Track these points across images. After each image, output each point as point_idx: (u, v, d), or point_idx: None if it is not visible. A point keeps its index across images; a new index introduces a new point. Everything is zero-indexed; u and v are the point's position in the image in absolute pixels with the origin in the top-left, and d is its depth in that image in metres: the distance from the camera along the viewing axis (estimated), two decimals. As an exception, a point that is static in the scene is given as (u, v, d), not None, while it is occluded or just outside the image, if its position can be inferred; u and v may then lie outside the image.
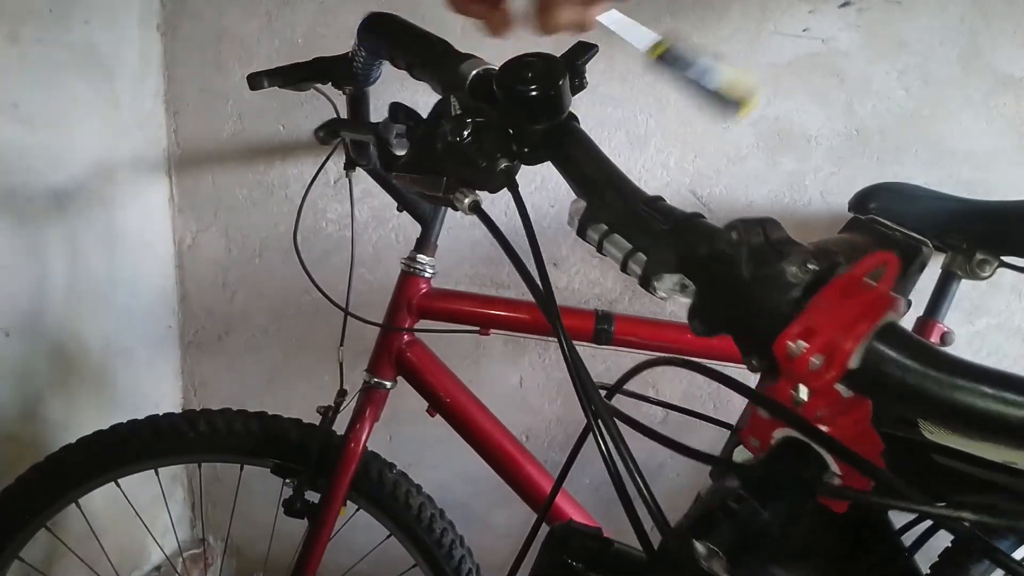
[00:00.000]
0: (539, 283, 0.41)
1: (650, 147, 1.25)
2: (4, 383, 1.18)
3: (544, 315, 0.40)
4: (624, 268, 0.39)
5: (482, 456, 1.02)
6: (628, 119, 1.25)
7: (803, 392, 0.34)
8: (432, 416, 1.03)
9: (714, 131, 1.23)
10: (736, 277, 0.34)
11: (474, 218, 1.41)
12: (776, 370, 0.34)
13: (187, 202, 1.47)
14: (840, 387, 0.34)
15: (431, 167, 0.43)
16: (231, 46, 1.38)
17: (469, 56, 0.48)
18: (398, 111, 0.48)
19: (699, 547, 0.34)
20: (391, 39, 0.61)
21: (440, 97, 0.49)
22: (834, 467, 0.36)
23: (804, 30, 1.17)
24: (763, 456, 0.38)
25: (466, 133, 0.41)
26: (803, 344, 0.32)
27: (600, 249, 0.40)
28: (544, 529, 0.55)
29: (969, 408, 0.29)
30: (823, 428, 0.35)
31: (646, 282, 0.37)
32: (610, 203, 0.40)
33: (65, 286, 1.26)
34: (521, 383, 1.39)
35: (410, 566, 1.09)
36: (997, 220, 0.92)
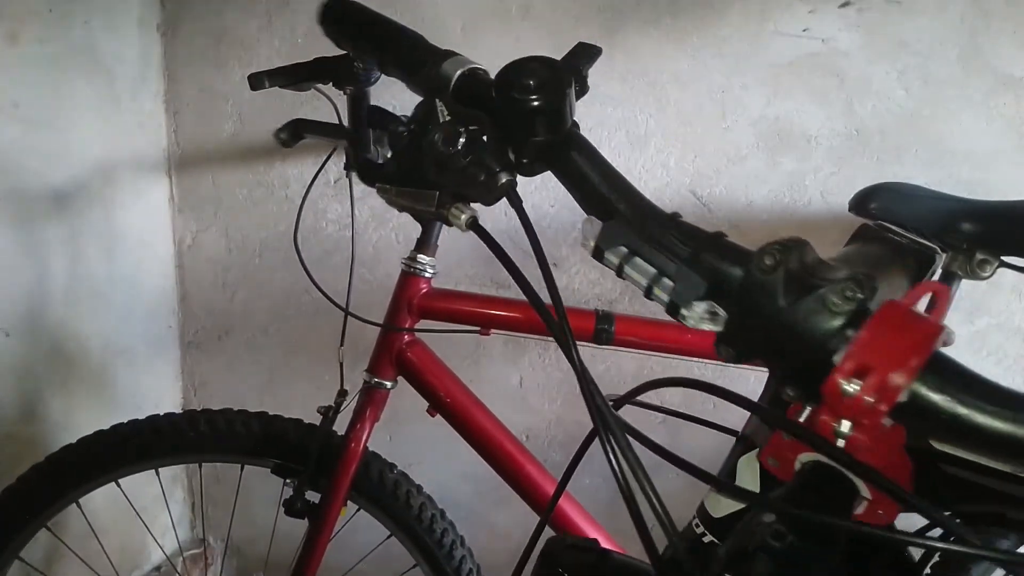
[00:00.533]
0: (546, 294, 0.39)
1: (650, 147, 1.25)
2: (4, 383, 1.18)
3: (558, 342, 0.37)
4: (649, 295, 0.37)
5: (482, 456, 1.02)
6: (628, 119, 1.25)
7: (846, 426, 0.33)
8: (432, 416, 1.03)
9: (714, 131, 1.23)
10: (773, 306, 0.33)
11: (474, 218, 1.39)
12: (813, 399, 0.33)
13: (187, 202, 1.47)
14: (884, 419, 0.33)
15: (420, 180, 0.40)
16: (231, 46, 1.38)
17: (449, 53, 0.44)
18: (374, 115, 0.43)
19: None
20: (353, 31, 0.53)
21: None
22: (864, 491, 0.36)
23: (804, 30, 1.17)
24: (793, 484, 0.36)
25: (459, 144, 0.38)
26: (857, 384, 0.31)
27: (620, 274, 0.37)
28: (547, 533, 0.54)
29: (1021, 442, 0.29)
30: (869, 459, 0.34)
31: (674, 310, 0.35)
32: (629, 224, 0.37)
33: (65, 286, 1.26)
34: (521, 383, 1.39)
35: (411, 566, 1.09)
36: (997, 220, 0.92)
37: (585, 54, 0.42)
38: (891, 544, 0.46)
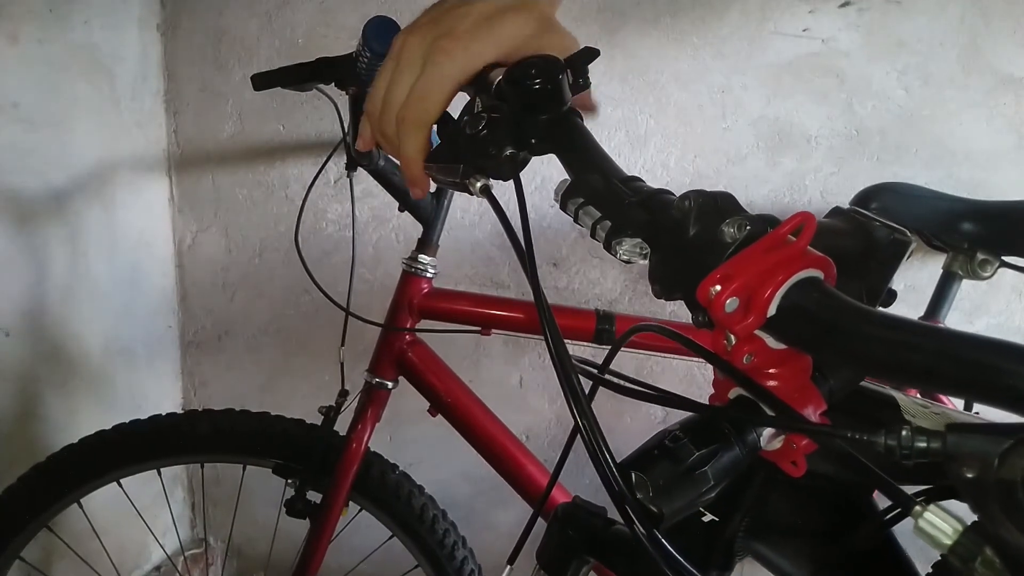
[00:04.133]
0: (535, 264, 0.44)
1: (650, 147, 1.25)
2: (4, 383, 1.18)
3: (530, 289, 0.43)
4: (593, 234, 0.42)
5: (483, 456, 1.02)
6: (628, 119, 1.25)
7: (732, 338, 0.36)
8: (433, 416, 1.03)
9: (714, 131, 1.23)
10: (683, 237, 0.37)
11: (475, 219, 1.41)
12: (711, 324, 0.37)
13: (187, 202, 1.47)
14: (766, 337, 0.36)
15: (454, 158, 0.48)
16: (231, 46, 1.38)
17: (497, 65, 0.54)
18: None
19: (634, 477, 0.37)
20: None
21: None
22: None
23: (804, 30, 1.17)
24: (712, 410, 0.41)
25: (481, 126, 0.46)
26: (719, 288, 0.34)
27: (576, 219, 0.44)
28: (540, 525, 0.57)
29: (869, 353, 0.31)
30: (771, 383, 0.38)
31: (608, 245, 0.41)
32: (590, 180, 0.44)
33: (65, 286, 1.26)
34: (521, 383, 1.39)
35: (412, 567, 1.09)
36: (997, 220, 0.92)
37: (583, 54, 0.49)
38: (862, 517, 0.49)
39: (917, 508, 0.30)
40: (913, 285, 1.19)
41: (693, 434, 0.38)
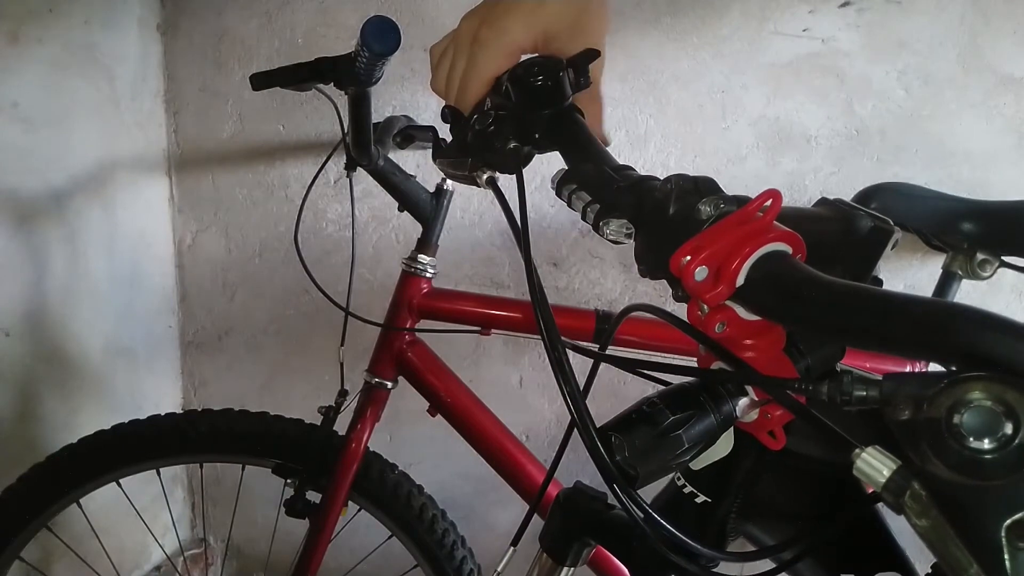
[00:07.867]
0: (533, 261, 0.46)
1: (650, 147, 1.25)
2: (4, 383, 1.18)
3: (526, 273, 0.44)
4: (584, 217, 0.44)
5: (483, 456, 1.02)
6: (628, 119, 1.25)
7: (705, 308, 0.38)
8: (433, 416, 1.03)
9: (714, 131, 1.23)
10: (664, 216, 0.39)
11: (475, 219, 1.41)
12: (687, 298, 0.38)
13: (187, 202, 1.47)
14: (736, 307, 0.38)
15: (463, 152, 0.51)
16: (231, 46, 1.38)
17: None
18: (447, 112, 0.54)
19: (613, 439, 0.39)
20: None
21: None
22: (752, 395, 0.42)
23: (804, 30, 1.17)
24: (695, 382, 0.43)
25: (488, 122, 0.49)
26: (688, 259, 0.36)
27: (570, 204, 0.46)
28: (536, 522, 0.57)
29: (827, 318, 0.32)
30: (748, 355, 0.39)
31: (597, 226, 0.42)
32: (584, 168, 0.46)
33: (65, 286, 1.26)
34: (521, 383, 1.39)
35: (411, 567, 1.09)
36: (997, 220, 0.92)
37: (584, 55, 0.51)
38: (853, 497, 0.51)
39: (857, 450, 0.31)
40: (913, 285, 1.19)
41: (669, 400, 0.41)
